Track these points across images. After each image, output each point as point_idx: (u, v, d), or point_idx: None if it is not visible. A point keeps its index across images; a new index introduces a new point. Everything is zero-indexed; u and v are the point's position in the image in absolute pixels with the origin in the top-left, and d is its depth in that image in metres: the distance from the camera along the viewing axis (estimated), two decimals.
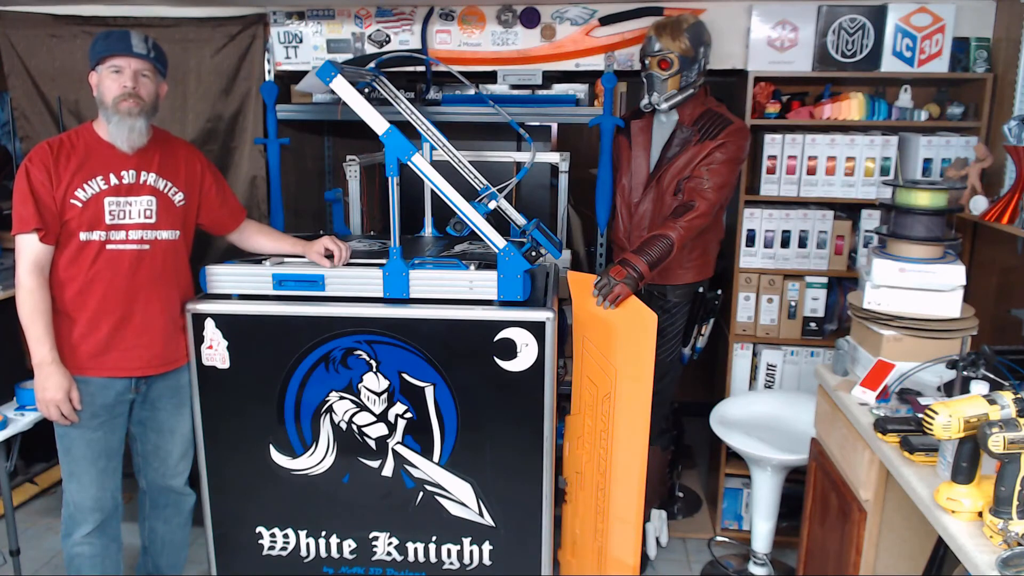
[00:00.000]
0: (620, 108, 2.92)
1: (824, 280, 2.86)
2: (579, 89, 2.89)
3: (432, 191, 2.59)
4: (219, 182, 2.37)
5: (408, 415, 2.25)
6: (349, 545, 2.37)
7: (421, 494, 2.30)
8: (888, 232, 2.14)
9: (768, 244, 2.87)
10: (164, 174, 2.20)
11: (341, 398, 2.26)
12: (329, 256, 2.26)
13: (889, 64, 2.69)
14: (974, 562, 1.38)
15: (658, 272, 2.36)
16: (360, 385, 2.25)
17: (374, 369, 2.23)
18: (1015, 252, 2.46)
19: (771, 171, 2.82)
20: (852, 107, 2.75)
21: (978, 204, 2.39)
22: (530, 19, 2.79)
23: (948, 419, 1.47)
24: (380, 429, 2.27)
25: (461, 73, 2.52)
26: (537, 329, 2.15)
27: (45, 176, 2.04)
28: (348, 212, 2.99)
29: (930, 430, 1.49)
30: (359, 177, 2.93)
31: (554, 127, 3.50)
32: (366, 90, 2.58)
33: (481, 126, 2.97)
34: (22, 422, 2.44)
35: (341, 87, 2.12)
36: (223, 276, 2.27)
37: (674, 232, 2.36)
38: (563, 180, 2.92)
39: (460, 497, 2.29)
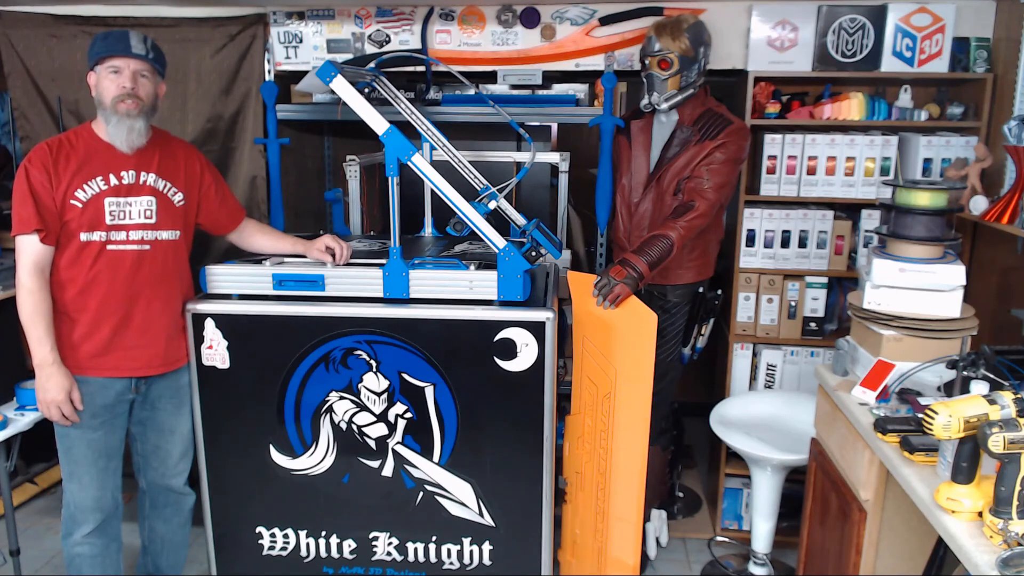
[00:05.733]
0: (620, 108, 2.92)
1: (824, 280, 2.86)
2: (579, 89, 2.89)
3: (432, 191, 2.59)
4: (218, 182, 2.37)
5: (408, 415, 2.25)
6: (349, 545, 2.37)
7: (421, 494, 2.30)
8: (888, 232, 2.14)
9: (768, 244, 2.87)
10: (163, 174, 2.19)
11: (341, 398, 2.26)
12: (331, 255, 2.26)
13: (889, 64, 2.69)
14: (974, 562, 1.38)
15: (658, 272, 2.36)
16: (360, 385, 2.25)
17: (374, 369, 2.23)
18: (1015, 252, 2.46)
19: (771, 171, 2.82)
20: (852, 107, 2.75)
21: (978, 204, 2.39)
22: (530, 19, 2.79)
23: (948, 419, 1.47)
24: (380, 429, 2.27)
25: (461, 73, 2.52)
26: (537, 329, 2.15)
27: (45, 177, 2.04)
28: (348, 212, 2.99)
29: (930, 430, 1.49)
30: (359, 177, 2.93)
31: (554, 127, 3.50)
32: (366, 90, 2.58)
33: (481, 126, 2.97)
34: (22, 422, 2.44)
35: (341, 87, 2.12)
36: (223, 276, 2.27)
37: (674, 232, 2.36)
38: (563, 180, 2.92)
39: (460, 497, 2.29)
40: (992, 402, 1.47)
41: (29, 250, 2.05)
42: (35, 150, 2.08)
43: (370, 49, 2.88)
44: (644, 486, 2.26)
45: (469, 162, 2.52)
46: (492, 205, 2.25)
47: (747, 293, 2.92)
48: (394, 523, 2.34)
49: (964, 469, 1.48)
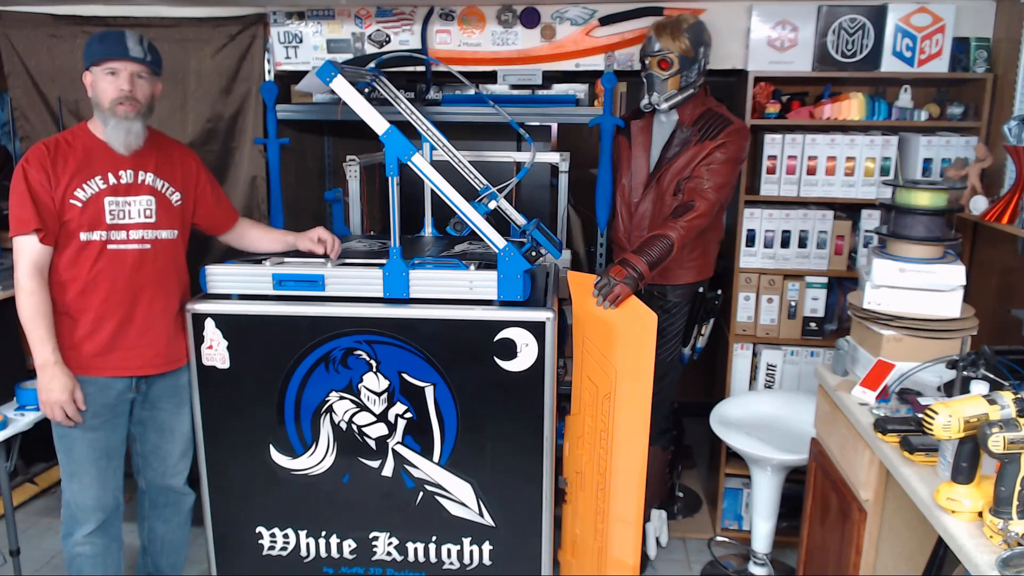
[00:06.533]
0: (620, 108, 2.92)
1: (824, 280, 2.86)
2: (579, 89, 2.89)
3: (432, 191, 2.59)
4: (213, 182, 2.39)
5: (408, 415, 2.25)
6: (349, 545, 2.37)
7: (421, 494, 2.30)
8: (888, 232, 2.14)
9: (768, 244, 2.87)
10: (161, 174, 2.20)
11: (341, 398, 2.26)
12: (323, 249, 2.30)
13: (889, 64, 2.69)
14: (974, 562, 1.38)
15: (658, 272, 2.36)
16: (360, 385, 2.25)
17: (374, 369, 2.23)
18: (1015, 252, 2.46)
19: (771, 171, 2.82)
20: (852, 107, 2.75)
21: (978, 204, 2.39)
22: (530, 19, 2.79)
23: (948, 419, 1.47)
24: (380, 429, 2.27)
25: (461, 73, 2.52)
26: (537, 329, 2.14)
27: (44, 177, 2.04)
28: (348, 212, 2.99)
29: (930, 430, 1.49)
30: (359, 177, 2.93)
31: (554, 127, 3.50)
32: (366, 90, 2.58)
33: (481, 126, 2.97)
34: (22, 422, 2.44)
35: (341, 87, 2.12)
36: (223, 276, 2.27)
37: (674, 232, 2.36)
38: (563, 180, 2.92)
39: (460, 497, 2.29)
40: (992, 402, 1.47)
41: (28, 251, 2.04)
42: (32, 150, 2.07)
43: (370, 49, 2.88)
44: (644, 486, 2.26)
45: (469, 162, 2.52)
46: (492, 205, 2.25)
47: (747, 293, 2.92)
48: (394, 523, 2.34)
49: (964, 469, 1.48)
